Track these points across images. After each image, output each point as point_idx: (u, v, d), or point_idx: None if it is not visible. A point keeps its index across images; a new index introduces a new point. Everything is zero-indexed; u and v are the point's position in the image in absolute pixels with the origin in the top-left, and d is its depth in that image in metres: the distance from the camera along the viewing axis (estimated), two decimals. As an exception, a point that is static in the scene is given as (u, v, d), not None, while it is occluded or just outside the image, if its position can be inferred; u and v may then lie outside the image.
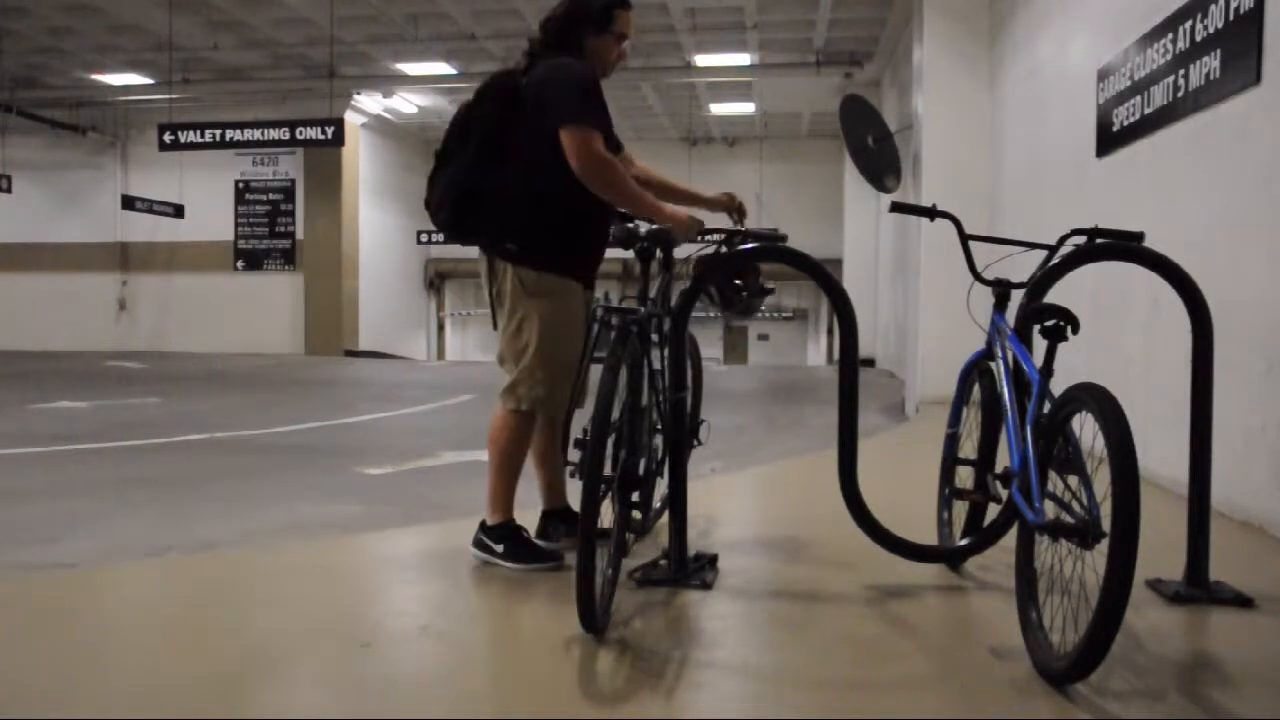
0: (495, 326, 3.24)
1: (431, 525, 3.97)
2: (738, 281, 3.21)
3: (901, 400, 9.39)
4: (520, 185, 3.12)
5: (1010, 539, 2.71)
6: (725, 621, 2.76)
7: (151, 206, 18.00)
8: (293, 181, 19.39)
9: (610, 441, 2.65)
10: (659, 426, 3.31)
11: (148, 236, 19.94)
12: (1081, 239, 3.04)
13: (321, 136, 14.48)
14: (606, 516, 2.64)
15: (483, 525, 3.24)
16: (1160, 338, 4.75)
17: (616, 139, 3.26)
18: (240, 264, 19.89)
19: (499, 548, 3.16)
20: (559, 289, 3.16)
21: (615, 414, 2.69)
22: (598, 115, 3.06)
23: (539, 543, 3.24)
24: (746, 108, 19.65)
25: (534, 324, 3.13)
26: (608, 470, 2.64)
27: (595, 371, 2.77)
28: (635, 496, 3.05)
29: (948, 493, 3.38)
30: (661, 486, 3.30)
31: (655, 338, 3.22)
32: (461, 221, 3.17)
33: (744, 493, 5.07)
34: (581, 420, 2.58)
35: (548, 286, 3.14)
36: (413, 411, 8.97)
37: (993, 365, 3.01)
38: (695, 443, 3.52)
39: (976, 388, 3.22)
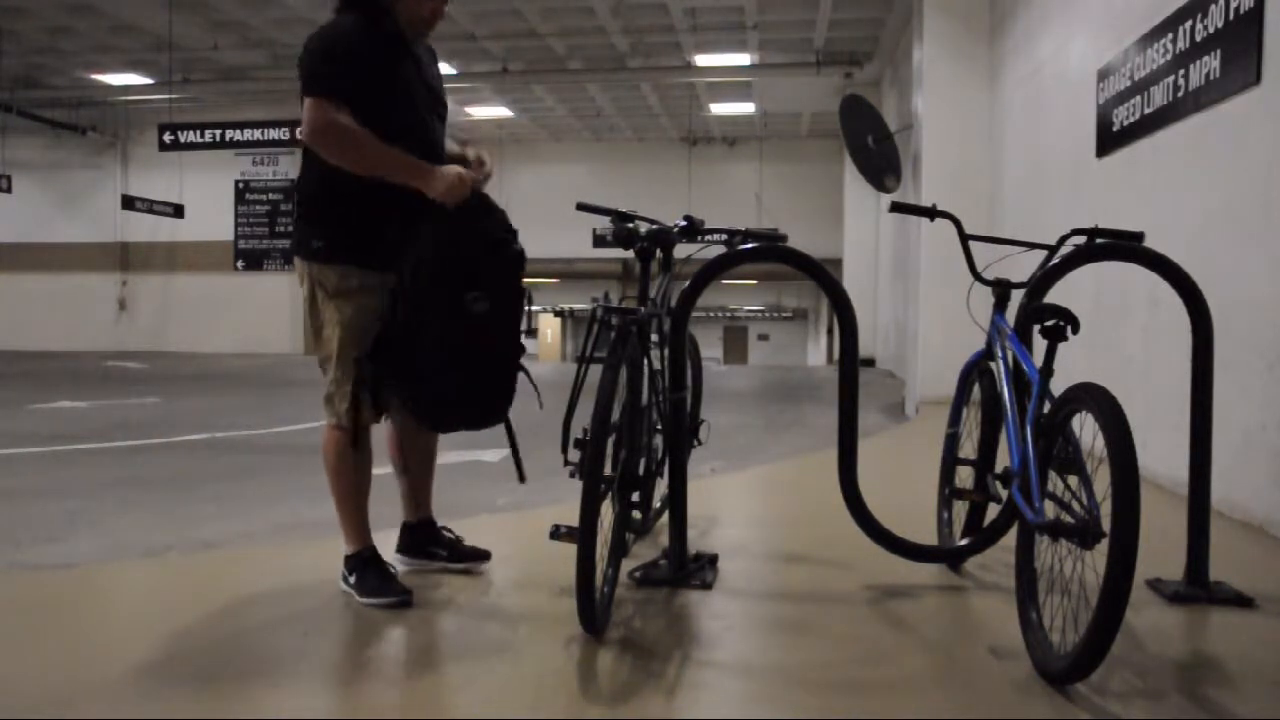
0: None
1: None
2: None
3: (901, 400, 9.39)
4: (313, 176, 2.84)
5: (1010, 539, 2.71)
6: (725, 621, 2.76)
7: (151, 206, 18.00)
8: (293, 181, 19.34)
9: (610, 441, 2.64)
10: (659, 426, 3.31)
11: (148, 236, 19.95)
12: (1081, 239, 3.04)
13: (321, 136, 14.45)
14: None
15: (344, 556, 2.96)
16: (1160, 338, 4.75)
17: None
18: (240, 264, 19.89)
19: (352, 579, 2.88)
20: (360, 288, 2.82)
21: (615, 414, 2.69)
22: (335, 81, 2.68)
23: (394, 569, 2.96)
24: (746, 108, 19.65)
25: (335, 330, 2.83)
26: (607, 470, 2.64)
27: (594, 371, 2.77)
28: (635, 496, 3.04)
29: (948, 493, 3.38)
30: (661, 486, 3.30)
31: (655, 338, 3.21)
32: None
33: (744, 493, 5.07)
34: (581, 420, 2.58)
35: (349, 286, 2.82)
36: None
37: (993, 365, 3.01)
38: (695, 443, 3.51)
39: (976, 388, 3.23)
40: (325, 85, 2.69)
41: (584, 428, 2.54)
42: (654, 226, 3.28)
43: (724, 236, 3.40)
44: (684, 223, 3.37)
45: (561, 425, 2.62)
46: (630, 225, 3.21)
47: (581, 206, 3.41)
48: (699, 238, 3.38)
